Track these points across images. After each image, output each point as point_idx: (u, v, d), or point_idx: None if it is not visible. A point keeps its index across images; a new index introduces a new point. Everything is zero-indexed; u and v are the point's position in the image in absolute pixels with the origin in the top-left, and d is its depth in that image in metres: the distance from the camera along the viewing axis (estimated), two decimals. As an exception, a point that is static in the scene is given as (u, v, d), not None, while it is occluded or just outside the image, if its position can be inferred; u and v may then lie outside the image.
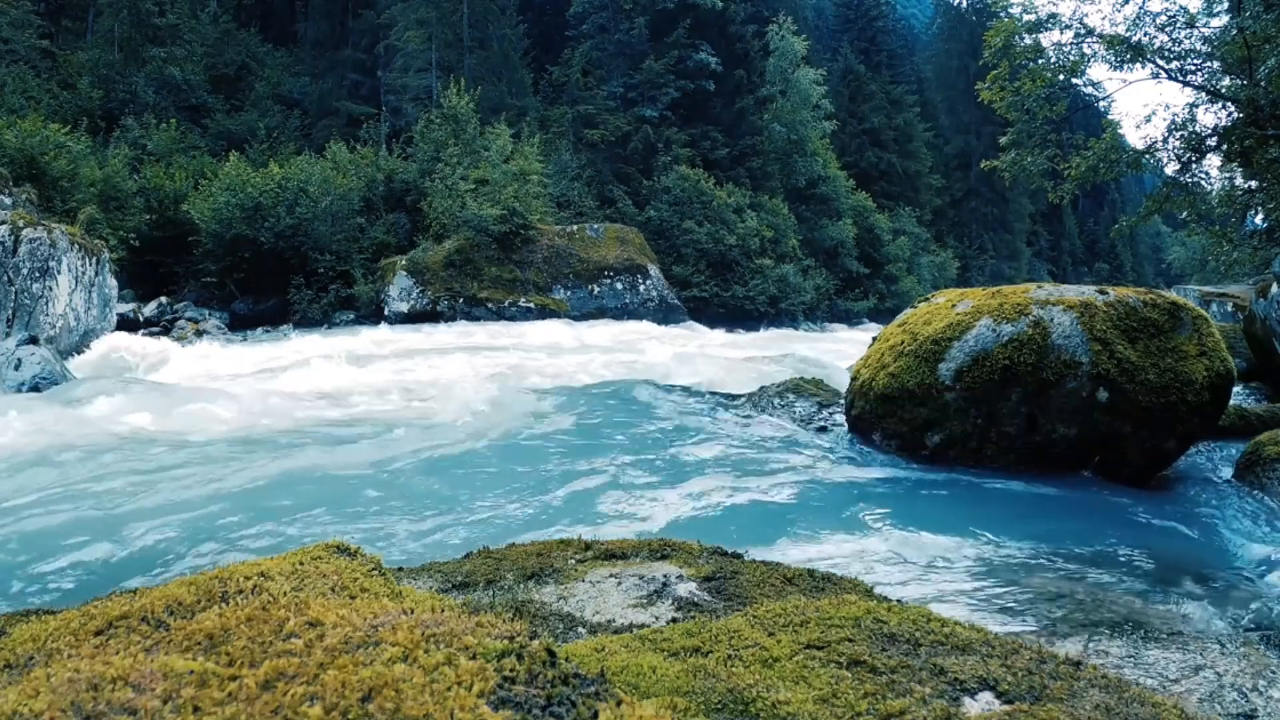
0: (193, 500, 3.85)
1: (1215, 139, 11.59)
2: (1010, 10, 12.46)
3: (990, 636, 1.27)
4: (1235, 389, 5.03)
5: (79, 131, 18.34)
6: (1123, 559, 2.84)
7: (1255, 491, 3.87)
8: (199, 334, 14.85)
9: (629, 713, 0.80)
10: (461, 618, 0.90)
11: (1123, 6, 13.64)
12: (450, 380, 8.39)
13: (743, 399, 6.10)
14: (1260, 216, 12.89)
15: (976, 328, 4.15)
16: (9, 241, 9.00)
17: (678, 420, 5.72)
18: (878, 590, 1.75)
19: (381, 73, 30.73)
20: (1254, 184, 12.00)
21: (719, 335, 19.23)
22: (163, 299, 17.21)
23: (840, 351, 12.77)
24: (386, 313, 19.38)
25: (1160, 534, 3.35)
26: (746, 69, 33.57)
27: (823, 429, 5.14)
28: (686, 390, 6.96)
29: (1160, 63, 11.39)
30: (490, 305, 19.68)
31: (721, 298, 28.21)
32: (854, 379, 4.74)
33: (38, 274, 9.11)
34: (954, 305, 4.43)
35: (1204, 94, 11.68)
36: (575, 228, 23.03)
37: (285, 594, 1.00)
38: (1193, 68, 11.56)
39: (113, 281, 11.50)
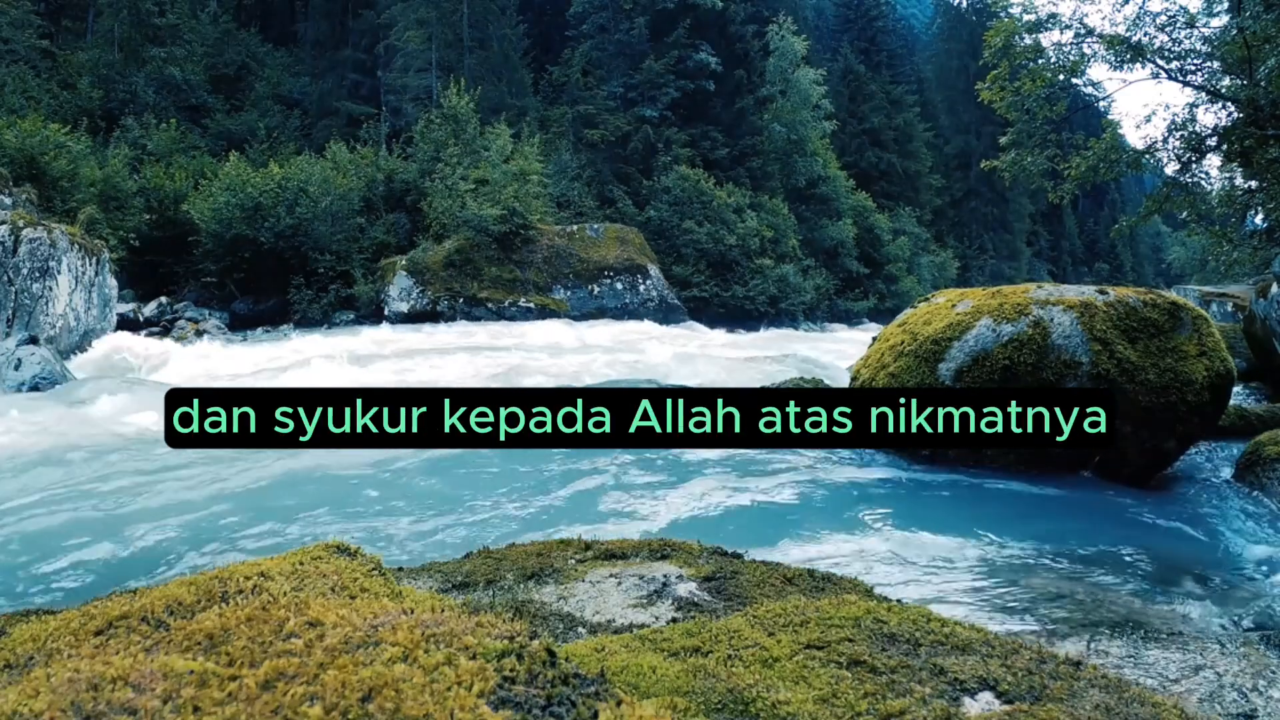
0: (193, 500, 3.86)
1: (1215, 139, 11.60)
2: (1010, 10, 12.47)
3: (990, 636, 1.27)
4: (1235, 389, 5.04)
5: (79, 131, 18.32)
6: (1123, 559, 2.84)
7: (1255, 491, 3.87)
8: (199, 334, 14.85)
9: (629, 713, 0.80)
10: (461, 618, 0.90)
11: (1123, 6, 13.65)
12: (451, 380, 8.38)
13: (743, 399, 6.08)
14: (1260, 216, 12.89)
15: (976, 328, 4.15)
16: (9, 241, 9.00)
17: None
18: (878, 590, 1.75)
19: (381, 73, 30.72)
20: (1254, 184, 12.00)
21: (719, 335, 19.24)
22: (163, 299, 17.21)
23: (840, 351, 12.80)
24: (386, 313, 19.38)
25: (1160, 534, 3.35)
26: (746, 69, 33.54)
27: (823, 429, 5.12)
28: (687, 390, 6.94)
29: (1160, 63, 11.40)
30: (490, 305, 19.67)
31: (721, 298, 28.20)
32: (854, 379, 4.74)
33: (38, 274, 9.12)
34: (954, 305, 4.43)
35: (1204, 94, 11.69)
36: (575, 228, 23.03)
37: (285, 594, 1.00)
38: (1193, 68, 11.57)
39: (113, 281, 11.51)
